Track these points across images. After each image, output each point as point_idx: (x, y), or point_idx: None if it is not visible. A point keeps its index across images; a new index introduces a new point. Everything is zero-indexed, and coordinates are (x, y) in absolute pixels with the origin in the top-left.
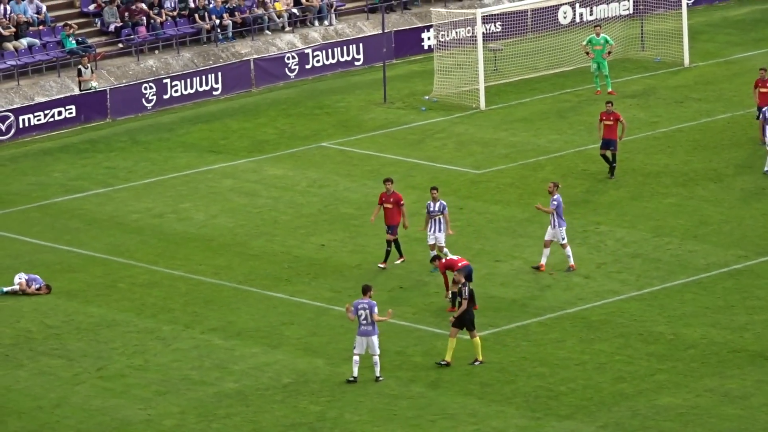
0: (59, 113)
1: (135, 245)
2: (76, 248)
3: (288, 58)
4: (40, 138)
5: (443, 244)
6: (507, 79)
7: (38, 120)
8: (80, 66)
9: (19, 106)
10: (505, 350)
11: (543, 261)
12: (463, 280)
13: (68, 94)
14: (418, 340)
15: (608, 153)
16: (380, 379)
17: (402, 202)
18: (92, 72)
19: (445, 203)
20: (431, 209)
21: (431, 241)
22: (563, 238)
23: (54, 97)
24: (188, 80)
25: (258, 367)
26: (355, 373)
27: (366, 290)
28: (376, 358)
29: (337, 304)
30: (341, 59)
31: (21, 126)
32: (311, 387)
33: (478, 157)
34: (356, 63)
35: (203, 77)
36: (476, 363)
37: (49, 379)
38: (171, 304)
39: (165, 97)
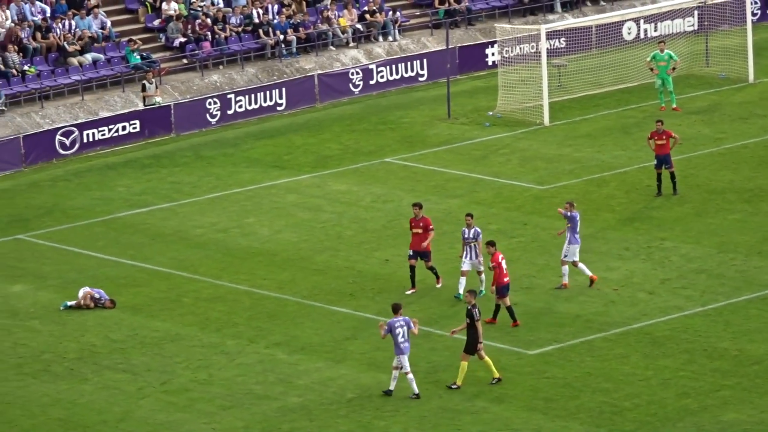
0: (123, 128)
1: (199, 260)
2: (141, 263)
3: (352, 74)
4: (104, 153)
5: (481, 269)
6: (571, 94)
7: (102, 135)
8: (144, 81)
9: (83, 120)
10: (570, 365)
11: (565, 280)
12: (473, 301)
13: (132, 109)
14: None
15: (665, 172)
16: (418, 394)
17: (431, 227)
18: (156, 87)
19: (479, 230)
20: (466, 236)
21: (465, 267)
22: (574, 256)
23: (118, 112)
24: (252, 95)
25: (322, 381)
26: (392, 388)
27: (397, 309)
28: (411, 376)
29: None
30: (405, 75)
31: (85, 141)
32: (375, 402)
33: (542, 172)
34: (420, 78)
35: (267, 92)
36: (453, 386)
37: (114, 393)
38: (235, 319)
39: (229, 112)
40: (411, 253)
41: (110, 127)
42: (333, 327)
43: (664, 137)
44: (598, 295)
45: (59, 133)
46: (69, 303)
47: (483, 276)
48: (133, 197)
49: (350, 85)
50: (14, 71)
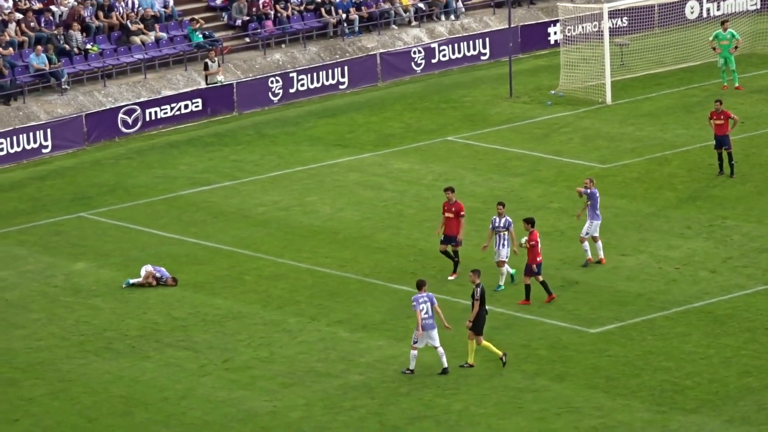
0: (186, 106)
1: (261, 238)
2: (203, 240)
3: (414, 53)
4: (166, 131)
5: (505, 259)
6: (633, 73)
7: (165, 113)
8: (207, 60)
9: (146, 99)
10: (631, 344)
11: (589, 255)
12: (478, 281)
13: (195, 88)
14: (543, 333)
15: (724, 152)
16: (447, 369)
17: (462, 213)
18: (219, 66)
19: (510, 220)
20: (496, 224)
21: (497, 258)
22: (595, 231)
23: (181, 91)
24: (314, 74)
25: (383, 359)
26: (413, 366)
27: (422, 285)
28: (441, 350)
29: (463, 297)
30: (467, 54)
31: (148, 119)
32: (437, 380)
33: (603, 151)
34: (482, 57)
35: (329, 71)
36: (465, 365)
37: (175, 371)
38: (297, 297)
39: (291, 90)
40: (442, 238)
41: (172, 105)
42: (394, 305)
43: (722, 117)
44: (660, 273)
45: (122, 111)
46: (131, 281)
47: (506, 268)
48: (196, 175)
49: (412, 63)
50: (77, 50)
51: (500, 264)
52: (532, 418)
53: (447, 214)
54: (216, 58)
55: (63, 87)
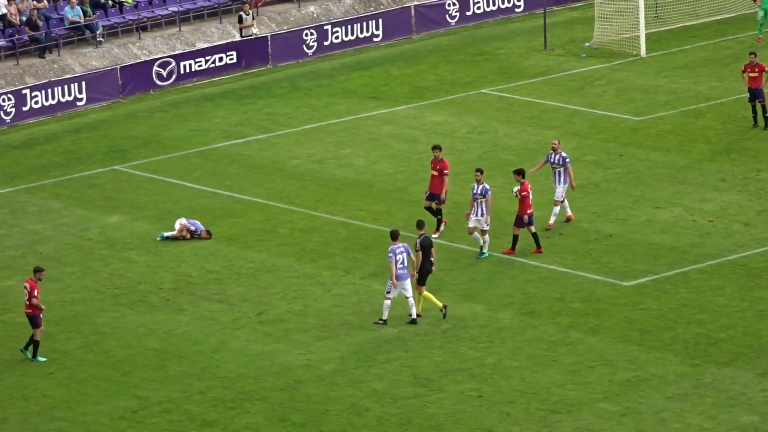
0: (220, 59)
1: (295, 191)
2: (237, 193)
3: (449, 5)
4: (200, 84)
5: (486, 227)
6: (668, 25)
7: (199, 66)
8: (241, 12)
9: (180, 52)
10: (665, 297)
11: (569, 212)
12: (421, 232)
13: (229, 41)
14: (577, 286)
15: (757, 105)
16: (416, 319)
17: (446, 172)
18: (253, 18)
19: (488, 187)
20: (474, 191)
21: (471, 224)
22: (561, 196)
23: (215, 44)
24: (349, 27)
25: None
26: (386, 316)
27: (396, 235)
28: (412, 300)
29: (497, 249)
30: (502, 6)
31: (182, 72)
32: (470, 333)
33: (638, 104)
34: (517, 10)
35: (364, 24)
36: (413, 318)
37: (210, 324)
38: (331, 250)
39: (326, 43)
40: (427, 194)
41: (207, 58)
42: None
43: (756, 70)
44: (694, 226)
45: (156, 64)
46: (165, 234)
47: (486, 237)
48: (230, 128)
49: (447, 16)
50: (112, 2)
51: (475, 231)
52: (565, 371)
53: (433, 172)
54: (250, 11)
55: (98, 40)
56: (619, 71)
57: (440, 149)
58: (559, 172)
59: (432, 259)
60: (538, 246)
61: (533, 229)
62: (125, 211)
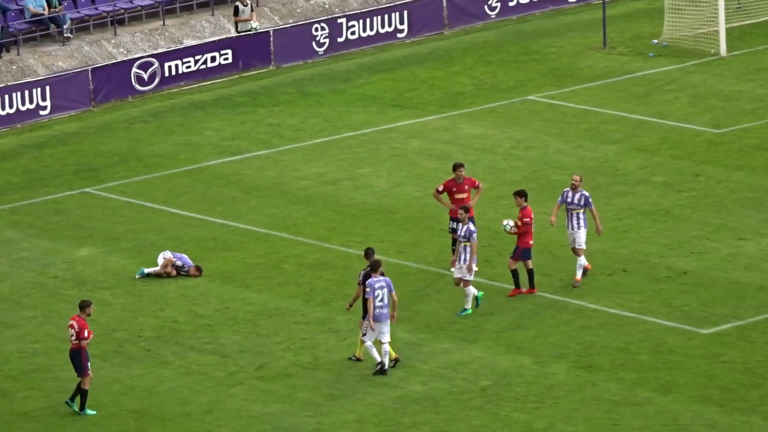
0: (213, 59)
1: (303, 218)
2: (233, 221)
3: None
4: (189, 89)
5: (469, 278)
6: (753, 18)
7: (187, 67)
8: (238, 3)
9: (164, 50)
10: (751, 348)
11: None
12: (369, 261)
13: (223, 37)
14: (645, 334)
15: None
16: (390, 367)
17: (478, 185)
18: (252, 10)
19: (472, 229)
20: (459, 233)
21: (456, 274)
22: (584, 243)
23: (206, 40)
24: (368, 20)
25: (451, 366)
26: (379, 358)
27: (377, 266)
28: (387, 347)
29: (547, 290)
30: None
31: (167, 74)
32: (515, 391)
33: (717, 113)
34: (570, 0)
35: (386, 16)
36: (353, 358)
37: (200, 380)
38: (346, 290)
39: (340, 40)
40: (453, 226)
41: (197, 57)
42: (464, 299)
43: None
44: None
45: (135, 65)
46: (146, 270)
47: (470, 289)
48: (224, 143)
49: (486, 7)
50: None
51: (461, 282)
52: None
53: (459, 195)
54: (249, 2)
55: (65, 35)
56: (694, 74)
57: (464, 167)
58: (578, 214)
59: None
60: (532, 285)
61: (530, 264)
62: (98, 242)
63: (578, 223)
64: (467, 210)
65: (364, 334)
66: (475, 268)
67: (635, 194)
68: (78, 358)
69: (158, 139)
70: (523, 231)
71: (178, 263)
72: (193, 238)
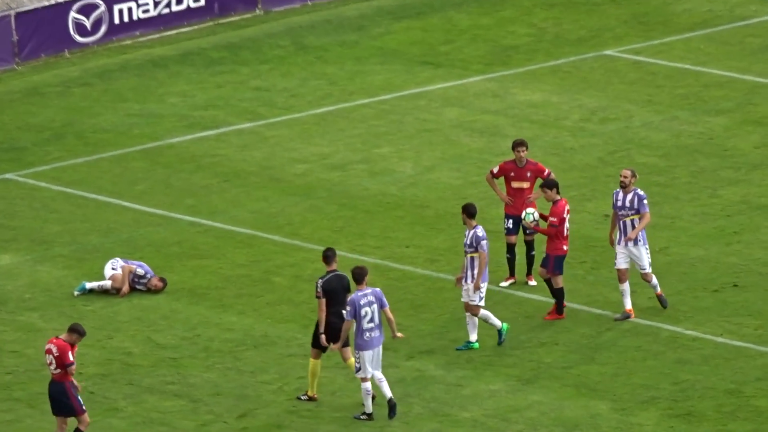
0: (179, 1)
1: (301, 214)
2: (205, 219)
3: None
4: (147, 41)
5: (478, 302)
6: None
7: (144, 12)
8: None
9: None
10: None
11: (628, 305)
12: (328, 268)
13: None
14: (764, 370)
15: None
16: (393, 402)
17: (549, 172)
18: None
19: (482, 235)
20: (465, 241)
21: (463, 297)
22: (648, 263)
23: None
24: None
25: (501, 414)
26: (370, 409)
27: (362, 275)
28: (381, 375)
29: (635, 312)
30: None
31: (116, 21)
32: None
33: None
34: None
35: None
36: (303, 397)
37: None
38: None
39: None
40: (510, 225)
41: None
42: (518, 323)
43: None
44: None
45: (74, 8)
46: (88, 285)
47: (485, 314)
48: (194, 113)
49: None
50: None
51: (470, 309)
52: None
53: (516, 183)
54: None
55: None
56: None
57: (526, 147)
58: (633, 223)
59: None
60: (560, 310)
61: (560, 281)
62: (23, 247)
63: (626, 234)
64: (469, 211)
65: (358, 369)
66: (483, 287)
67: (750, 182)
68: (62, 392)
69: (105, 108)
70: (550, 233)
71: (141, 270)
72: (151, 242)
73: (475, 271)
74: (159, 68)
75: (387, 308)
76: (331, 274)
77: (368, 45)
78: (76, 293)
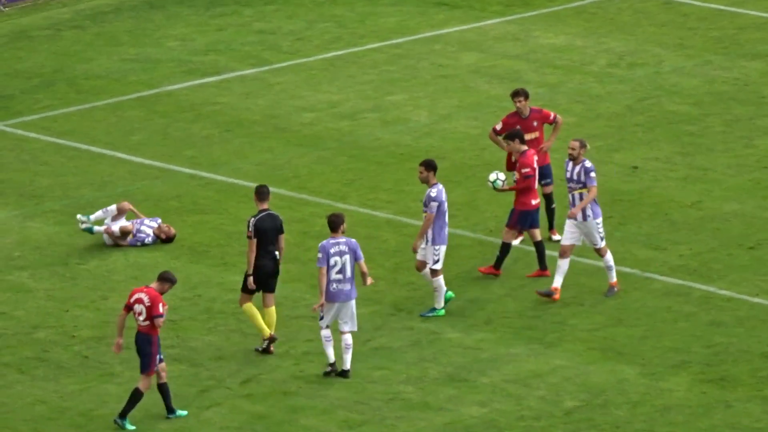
0: None
1: (308, 167)
2: (206, 172)
3: None
4: None
5: (432, 264)
6: None
7: None
8: None
9: None
10: None
11: (556, 283)
12: (260, 206)
13: None
14: None
15: None
16: (348, 372)
17: (553, 118)
18: None
19: (434, 195)
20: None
21: (418, 256)
22: (599, 238)
23: None
24: None
25: (521, 379)
26: (332, 358)
27: (338, 223)
28: (349, 339)
29: (661, 269)
30: None
31: None
32: (614, 415)
33: None
34: None
35: None
36: (264, 345)
37: (160, 399)
38: (371, 269)
39: None
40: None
41: None
42: (539, 282)
43: None
44: None
45: None
46: (95, 227)
47: (440, 280)
48: (193, 57)
49: None
50: None
51: (422, 267)
52: None
53: (527, 135)
54: None
55: None
56: None
57: (526, 96)
58: (579, 195)
59: (278, 253)
60: (543, 265)
61: (538, 234)
62: (11, 202)
63: (583, 211)
64: (429, 166)
65: (322, 318)
66: (422, 245)
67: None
68: (148, 344)
69: (98, 52)
70: (523, 187)
71: (151, 223)
72: (149, 196)
73: (431, 231)
74: (156, 10)
75: (362, 261)
76: (264, 213)
77: None
78: (81, 225)
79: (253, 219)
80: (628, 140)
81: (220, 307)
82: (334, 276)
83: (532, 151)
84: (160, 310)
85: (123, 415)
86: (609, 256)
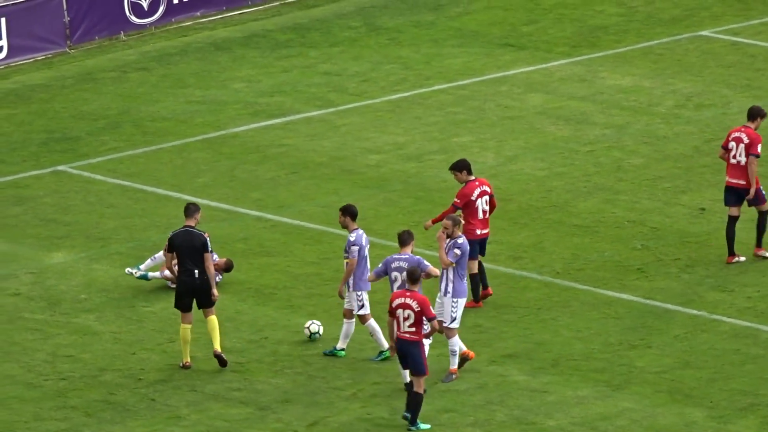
0: None
1: (374, 208)
2: (272, 214)
3: None
4: (208, 22)
5: (358, 311)
6: None
7: None
8: None
9: None
10: None
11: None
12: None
13: None
14: None
15: None
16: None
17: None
18: None
19: (353, 239)
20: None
21: (345, 305)
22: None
23: None
24: None
25: (589, 422)
26: (406, 378)
27: (407, 239)
28: (454, 341)
29: (728, 311)
30: None
31: (176, 1)
32: None
33: None
34: None
35: None
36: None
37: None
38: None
39: None
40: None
41: None
42: (607, 325)
43: None
44: None
45: None
46: (144, 271)
47: (371, 324)
48: (259, 99)
49: None
50: None
51: (348, 315)
52: None
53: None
54: None
55: None
56: None
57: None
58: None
59: (197, 272)
60: (476, 297)
61: (474, 266)
62: (78, 244)
63: (444, 286)
64: (345, 212)
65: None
66: (346, 296)
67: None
68: (417, 352)
69: (164, 94)
70: (446, 214)
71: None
72: (215, 238)
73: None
74: (221, 51)
75: (430, 268)
76: (183, 229)
77: (445, 26)
78: (134, 272)
79: (172, 233)
80: (695, 182)
81: (287, 349)
82: (395, 290)
83: (479, 182)
84: (433, 311)
85: (413, 421)
86: (455, 345)
